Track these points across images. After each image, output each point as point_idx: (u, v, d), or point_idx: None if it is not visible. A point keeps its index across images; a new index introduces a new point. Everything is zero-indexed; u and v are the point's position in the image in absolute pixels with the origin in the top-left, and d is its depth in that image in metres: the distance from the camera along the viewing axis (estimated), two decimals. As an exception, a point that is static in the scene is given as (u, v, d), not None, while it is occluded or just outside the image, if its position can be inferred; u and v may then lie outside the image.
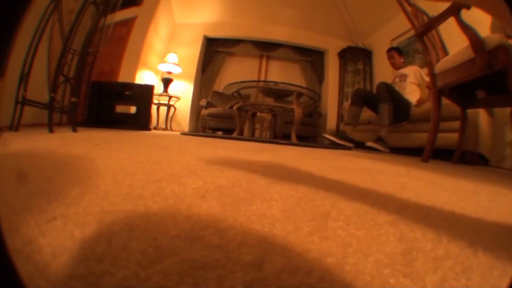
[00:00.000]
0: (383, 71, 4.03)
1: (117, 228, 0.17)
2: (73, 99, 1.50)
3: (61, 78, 1.38)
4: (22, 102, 1.31)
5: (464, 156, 1.84)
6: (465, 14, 1.15)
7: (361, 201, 0.27)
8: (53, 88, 1.32)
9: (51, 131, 1.22)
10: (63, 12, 1.46)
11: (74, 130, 1.37)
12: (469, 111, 1.56)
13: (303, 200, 0.25)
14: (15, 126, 1.28)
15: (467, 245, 0.20)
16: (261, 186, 0.29)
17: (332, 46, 4.43)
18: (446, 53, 1.49)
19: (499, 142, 2.04)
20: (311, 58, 4.40)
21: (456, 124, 1.62)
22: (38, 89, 1.48)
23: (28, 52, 1.39)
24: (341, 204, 0.26)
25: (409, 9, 1.47)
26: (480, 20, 1.52)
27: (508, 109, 1.52)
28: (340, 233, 0.19)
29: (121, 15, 3.02)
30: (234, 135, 2.55)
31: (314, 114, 4.02)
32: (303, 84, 4.12)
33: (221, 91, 3.70)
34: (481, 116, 1.92)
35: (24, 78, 1.35)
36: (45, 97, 1.35)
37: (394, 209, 0.26)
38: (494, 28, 1.58)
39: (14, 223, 0.18)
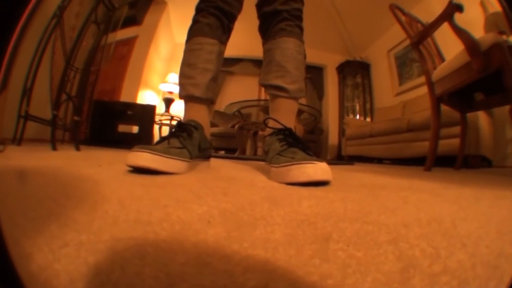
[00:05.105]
0: (381, 84, 4.08)
1: (129, 255, 0.18)
2: (75, 118, 1.51)
3: (64, 96, 1.39)
4: (25, 117, 1.31)
5: (467, 161, 1.83)
6: (459, 17, 1.16)
7: (362, 221, 0.28)
8: (56, 105, 1.33)
9: (54, 148, 1.23)
10: (65, 28, 1.48)
11: (77, 149, 1.39)
12: (469, 114, 1.56)
13: (305, 223, 0.26)
14: (18, 140, 1.29)
15: (466, 258, 0.20)
16: (264, 209, 0.30)
17: (330, 61, 4.51)
18: (442, 59, 1.49)
19: (501, 141, 2.03)
20: (310, 74, 4.47)
21: (457, 129, 1.62)
22: (41, 104, 1.49)
23: (31, 67, 1.40)
24: (342, 225, 0.26)
25: (403, 18, 1.49)
26: (474, 21, 1.54)
27: (507, 107, 1.51)
28: (340, 255, 0.20)
29: (122, 34, 3.09)
30: (236, 154, 2.56)
31: (315, 130, 4.04)
32: (303, 101, 4.18)
33: (222, 110, 3.75)
34: (481, 117, 1.91)
35: (26, 93, 1.35)
36: (48, 113, 1.37)
37: (394, 227, 0.27)
38: (488, 26, 1.58)
39: (28, 248, 0.19)
